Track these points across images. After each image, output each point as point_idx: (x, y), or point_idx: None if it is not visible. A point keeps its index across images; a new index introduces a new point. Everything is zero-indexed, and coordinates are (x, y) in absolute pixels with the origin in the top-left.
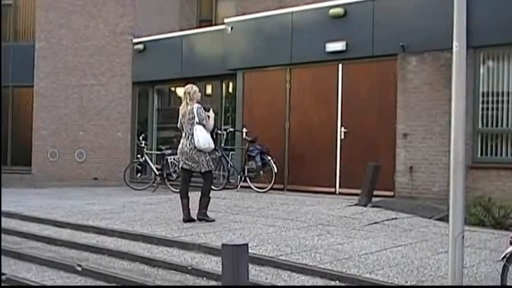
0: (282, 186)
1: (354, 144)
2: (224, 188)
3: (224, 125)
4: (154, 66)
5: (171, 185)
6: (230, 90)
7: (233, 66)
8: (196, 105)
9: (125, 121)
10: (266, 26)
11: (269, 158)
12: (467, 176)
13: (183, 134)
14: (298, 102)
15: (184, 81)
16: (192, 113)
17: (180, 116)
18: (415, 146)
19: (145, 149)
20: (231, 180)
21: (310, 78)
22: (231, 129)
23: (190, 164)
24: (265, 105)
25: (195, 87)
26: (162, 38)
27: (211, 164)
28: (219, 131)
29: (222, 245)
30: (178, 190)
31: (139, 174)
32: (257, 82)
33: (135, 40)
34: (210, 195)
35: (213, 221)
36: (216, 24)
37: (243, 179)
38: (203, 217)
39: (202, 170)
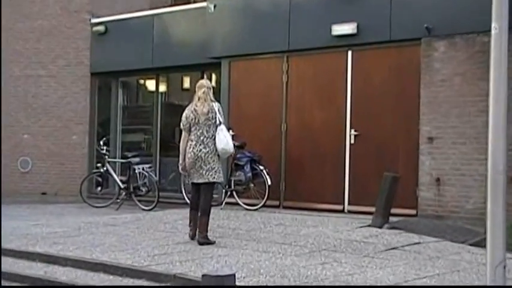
0: (277, 203)
1: (367, 150)
2: None
3: None
4: (119, 53)
5: (139, 201)
6: (213, 83)
7: (217, 54)
8: (217, 104)
9: (81, 121)
10: (258, 3)
11: (261, 167)
12: (509, 190)
13: (193, 137)
14: (297, 99)
15: (155, 72)
16: (213, 112)
17: (191, 116)
18: (443, 152)
19: (107, 157)
20: (214, 196)
21: (313, 68)
22: None
23: (201, 172)
24: (256, 102)
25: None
26: (127, 17)
27: (221, 174)
28: None
29: (203, 275)
30: (148, 207)
31: (99, 188)
32: (246, 73)
33: (94, 20)
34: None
35: (214, 242)
36: (195, 2)
37: (228, 193)
38: (205, 240)
39: (215, 180)
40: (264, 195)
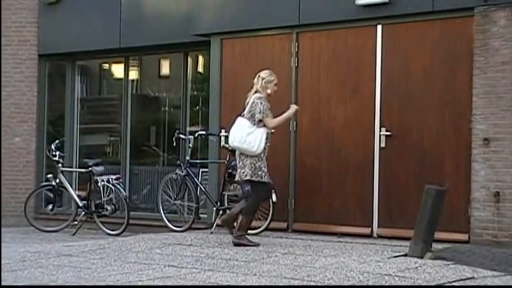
0: (284, 225)
1: (402, 155)
2: (190, 228)
3: (190, 125)
4: (76, 29)
5: (103, 223)
6: (200, 68)
7: (205, 30)
8: (256, 95)
9: (26, 119)
10: None
11: None
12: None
13: None
14: (310, 89)
15: (124, 53)
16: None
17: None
18: (504, 158)
19: (60, 165)
20: (201, 215)
21: (331, 49)
22: (202, 133)
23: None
24: None
25: (273, 76)
26: None
27: (251, 172)
28: (181, 135)
29: None
30: (114, 232)
31: (50, 207)
32: (243, 56)
33: None
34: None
35: (258, 245)
36: None
37: (221, 213)
38: (239, 241)
39: (243, 178)
40: (268, 216)
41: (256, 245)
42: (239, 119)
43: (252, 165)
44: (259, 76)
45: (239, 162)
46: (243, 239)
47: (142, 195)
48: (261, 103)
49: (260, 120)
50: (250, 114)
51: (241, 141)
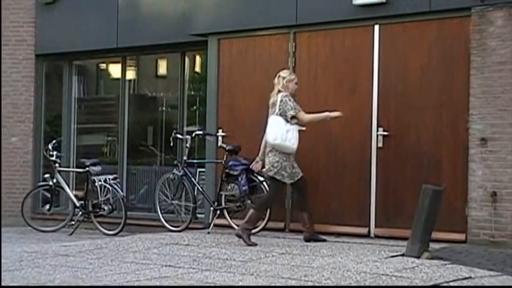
0: (282, 225)
1: (400, 155)
2: (187, 228)
3: (188, 125)
4: (73, 28)
5: (100, 223)
6: (197, 68)
7: (202, 30)
8: (282, 94)
9: (23, 119)
10: None
11: (261, 178)
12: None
13: None
14: (308, 89)
15: (121, 53)
16: (275, 105)
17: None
18: (501, 158)
19: (57, 165)
20: (198, 215)
21: (328, 48)
22: (199, 133)
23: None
24: (254, 94)
25: (293, 75)
26: None
27: (275, 170)
28: (178, 135)
29: None
30: (112, 231)
31: (47, 207)
32: (241, 55)
33: None
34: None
35: (255, 245)
36: None
37: (218, 213)
38: (242, 234)
39: (267, 173)
40: (265, 216)
41: (254, 245)
42: (272, 117)
43: (279, 164)
44: (279, 76)
45: (267, 159)
46: (245, 233)
47: (139, 195)
48: (290, 100)
49: (292, 117)
50: (280, 113)
51: (283, 139)
